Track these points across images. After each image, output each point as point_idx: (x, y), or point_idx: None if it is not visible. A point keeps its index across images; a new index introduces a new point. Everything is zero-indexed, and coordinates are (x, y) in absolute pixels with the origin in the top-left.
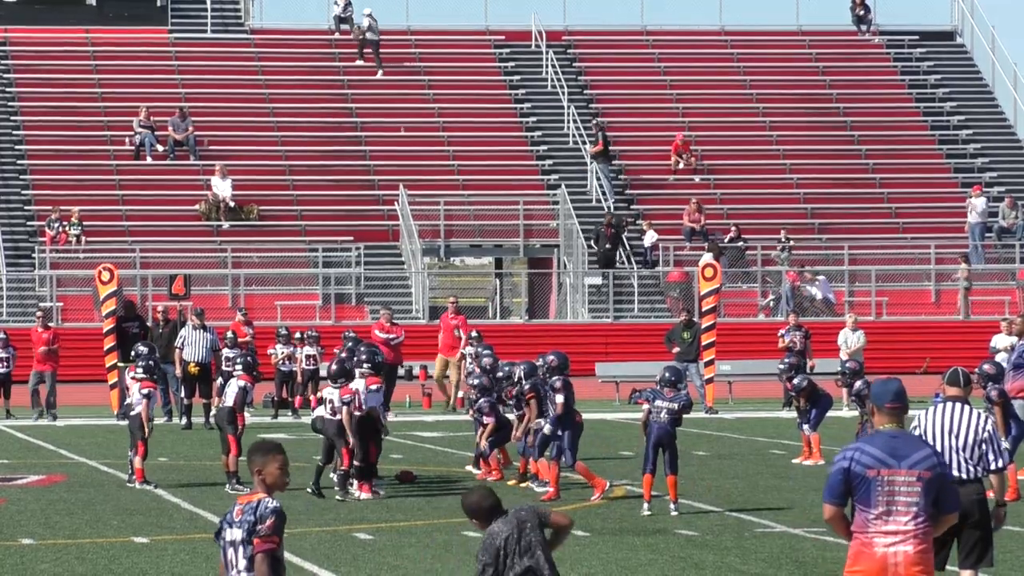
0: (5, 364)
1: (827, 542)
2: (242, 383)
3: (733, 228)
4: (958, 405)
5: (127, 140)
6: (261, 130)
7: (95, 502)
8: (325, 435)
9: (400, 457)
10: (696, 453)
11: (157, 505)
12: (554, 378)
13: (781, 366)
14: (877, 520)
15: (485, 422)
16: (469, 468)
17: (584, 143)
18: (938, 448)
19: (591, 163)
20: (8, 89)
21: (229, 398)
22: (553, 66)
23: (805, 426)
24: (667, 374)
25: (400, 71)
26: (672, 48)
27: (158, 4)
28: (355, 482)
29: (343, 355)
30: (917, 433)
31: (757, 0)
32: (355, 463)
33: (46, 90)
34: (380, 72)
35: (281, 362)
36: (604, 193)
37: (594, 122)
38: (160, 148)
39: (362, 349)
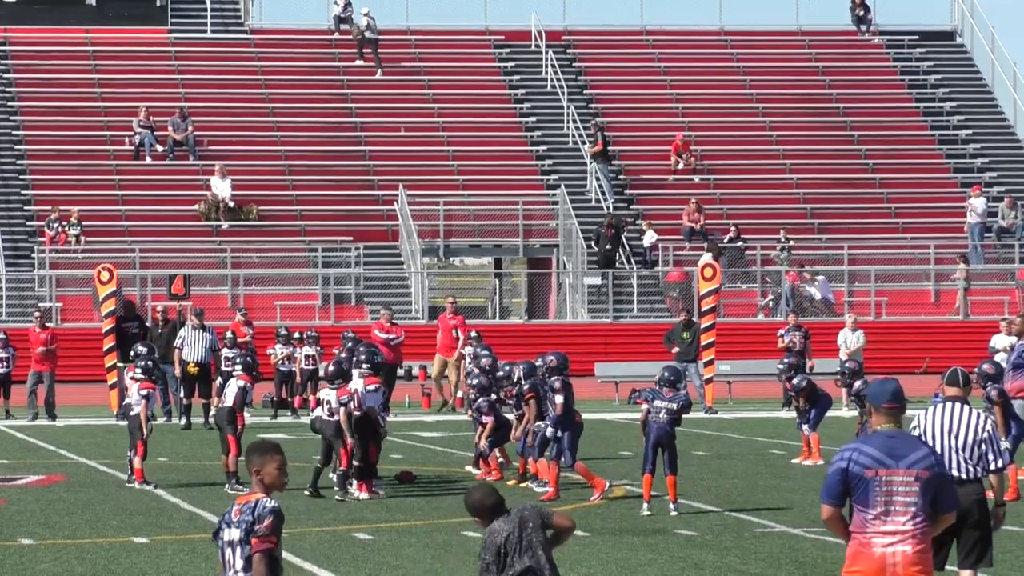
0: (5, 364)
1: (827, 542)
2: (242, 383)
3: (733, 228)
4: (958, 405)
5: (127, 140)
6: (261, 130)
7: (95, 502)
8: (323, 436)
9: (400, 457)
10: (696, 453)
11: (157, 505)
12: (553, 378)
13: (780, 366)
14: (875, 520)
15: (484, 421)
16: (469, 468)
17: (584, 143)
18: (938, 448)
19: (591, 163)
20: (8, 89)
21: (229, 398)
22: (553, 66)
23: (804, 426)
24: (666, 374)
25: (400, 71)
26: (672, 48)
27: (158, 4)
28: (355, 482)
29: (342, 355)
30: (917, 433)
31: (757, 0)
32: (355, 463)
33: (46, 90)
34: (379, 72)
35: (280, 362)
36: (604, 193)
37: (593, 122)
38: (160, 148)
39: (361, 349)
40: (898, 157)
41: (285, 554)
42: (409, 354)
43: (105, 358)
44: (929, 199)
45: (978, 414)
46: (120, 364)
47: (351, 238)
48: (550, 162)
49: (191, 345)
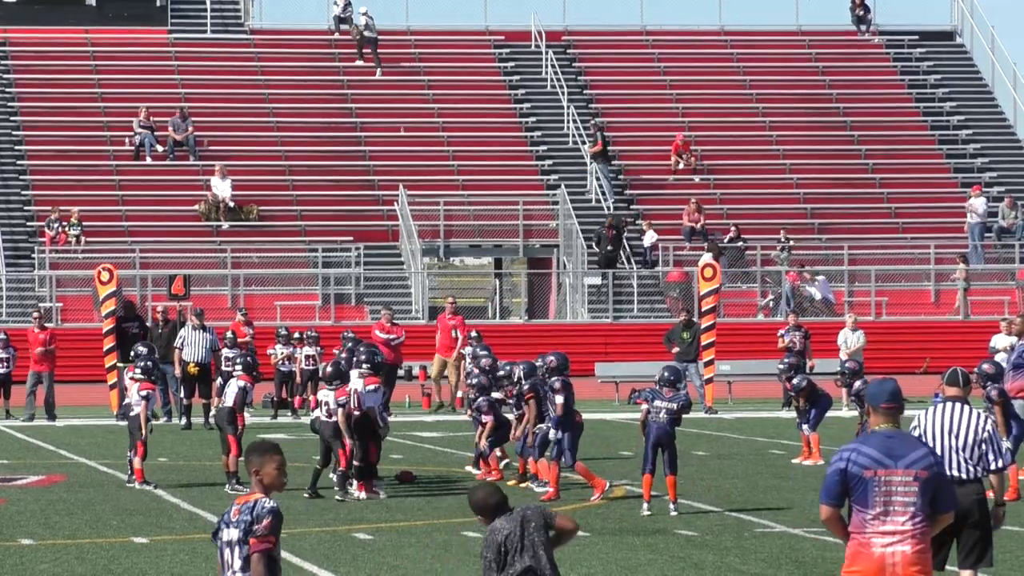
0: (5, 364)
1: (827, 542)
2: (242, 383)
3: (733, 228)
4: (958, 405)
5: (127, 140)
6: (261, 130)
7: (95, 502)
8: (321, 437)
9: (400, 457)
10: (696, 453)
11: (157, 505)
12: (553, 379)
13: (781, 366)
14: (874, 520)
15: (484, 421)
16: (469, 468)
17: (584, 143)
18: (938, 448)
19: (591, 163)
20: (8, 89)
21: (229, 398)
22: (553, 66)
23: (804, 426)
24: (666, 374)
25: (400, 71)
26: (672, 48)
27: (158, 4)
28: (355, 482)
29: (342, 356)
30: (917, 433)
31: (757, 0)
32: (355, 463)
33: (46, 90)
34: (379, 71)
35: (281, 362)
36: (604, 193)
37: (592, 122)
38: (160, 148)
39: (361, 349)
40: (898, 157)
41: (285, 554)
42: (409, 354)
43: (105, 358)
44: (929, 199)
45: (978, 414)
46: (120, 364)
47: (351, 238)
48: (550, 162)
49: (191, 345)
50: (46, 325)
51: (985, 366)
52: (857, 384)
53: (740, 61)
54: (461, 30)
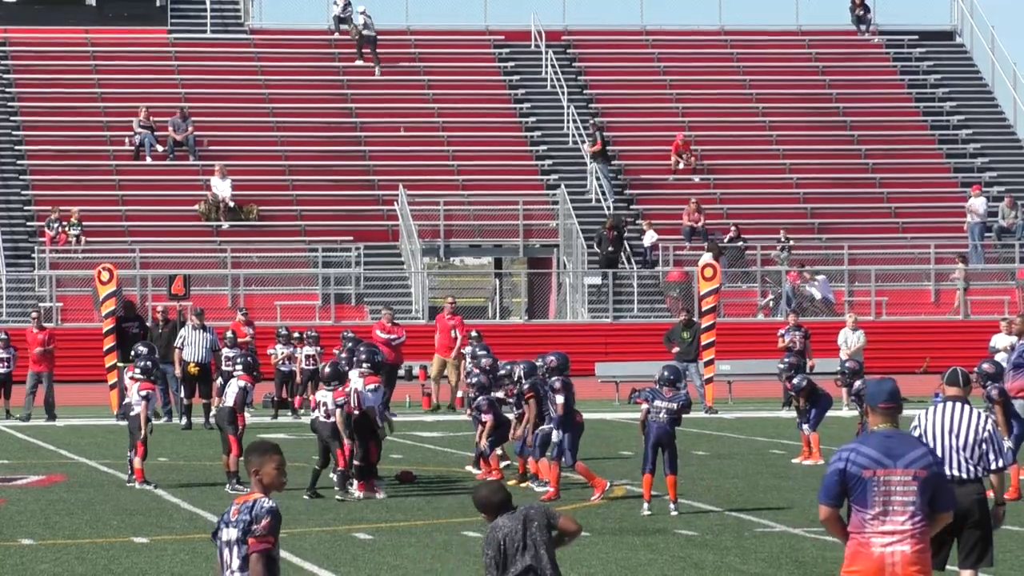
0: (6, 364)
1: (827, 542)
2: (242, 383)
3: (733, 228)
4: (958, 405)
5: (127, 140)
6: (261, 130)
7: (95, 502)
8: (319, 438)
9: (400, 457)
10: (696, 453)
11: (157, 505)
12: (553, 379)
13: (781, 366)
14: (874, 520)
15: (483, 420)
16: (469, 468)
17: (583, 143)
18: (939, 448)
19: (591, 163)
20: (8, 89)
21: (229, 398)
22: (553, 66)
23: (805, 426)
24: (666, 373)
25: (400, 71)
26: (672, 48)
27: (158, 4)
28: (355, 482)
29: (342, 356)
30: (917, 433)
31: (757, 0)
32: (355, 463)
33: (46, 90)
34: (377, 70)
35: (281, 362)
36: (603, 193)
37: (591, 122)
38: (160, 148)
39: (362, 349)
40: (898, 157)
41: (285, 554)
42: (409, 354)
43: (105, 358)
44: (929, 199)
45: (979, 414)
46: (120, 364)
47: (351, 238)
48: (550, 162)
49: (191, 345)
50: (44, 325)
51: (985, 366)
52: (857, 384)
53: (740, 61)
54: (461, 30)
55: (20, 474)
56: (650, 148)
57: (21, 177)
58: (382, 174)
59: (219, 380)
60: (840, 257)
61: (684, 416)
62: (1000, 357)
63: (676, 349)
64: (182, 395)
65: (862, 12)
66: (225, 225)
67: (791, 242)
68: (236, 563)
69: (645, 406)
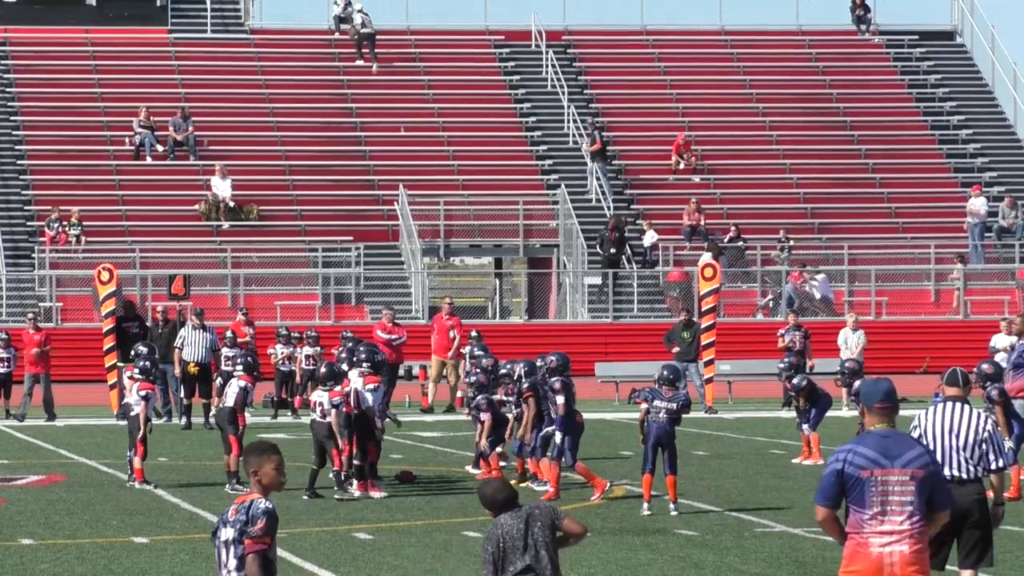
0: (6, 364)
1: (827, 542)
2: (243, 383)
3: (733, 228)
4: (958, 405)
5: (127, 140)
6: (261, 130)
7: (95, 502)
8: (315, 438)
9: (400, 457)
10: (696, 453)
11: (157, 505)
12: (553, 379)
13: (781, 366)
14: (872, 520)
15: (482, 419)
16: (469, 468)
17: (583, 142)
18: (939, 448)
19: (591, 163)
20: (8, 89)
21: (230, 398)
22: (553, 66)
23: (804, 426)
24: (665, 372)
25: (400, 71)
26: (672, 48)
27: (158, 4)
28: (355, 482)
29: (343, 355)
30: (917, 434)
31: (757, 0)
32: (355, 462)
33: (46, 90)
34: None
35: (281, 362)
36: (603, 192)
37: (589, 121)
38: (160, 148)
39: (362, 348)
40: (898, 157)
41: (285, 554)
42: (410, 354)
43: (105, 358)
44: (929, 199)
45: (979, 414)
46: (120, 364)
47: (351, 238)
48: (550, 162)
49: (191, 345)
50: (40, 326)
51: (984, 366)
52: (857, 384)
53: (740, 61)
54: (461, 30)
55: (20, 474)
56: (650, 148)
57: (21, 177)
58: (382, 174)
59: (219, 380)
60: (840, 257)
61: (684, 416)
62: (1000, 357)
63: (676, 349)
64: (182, 395)
65: (862, 12)
66: (225, 225)
67: (791, 242)
68: (233, 563)
69: (644, 406)
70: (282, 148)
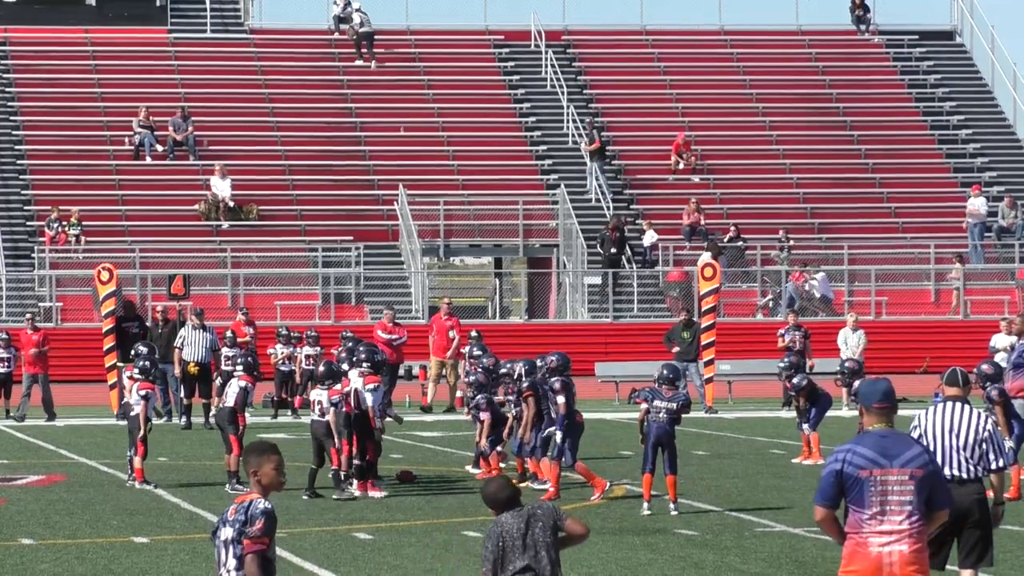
0: (6, 364)
1: (827, 542)
2: (243, 383)
3: (732, 228)
4: (958, 404)
5: (127, 140)
6: (261, 130)
7: (95, 502)
8: (314, 437)
9: (400, 457)
10: (696, 453)
11: (157, 505)
12: (553, 379)
13: (781, 365)
14: (871, 520)
15: (482, 419)
16: (469, 468)
17: (583, 142)
18: (939, 448)
19: (590, 162)
20: (8, 89)
21: (230, 398)
22: (552, 66)
23: (805, 425)
24: (665, 372)
25: (399, 71)
26: (672, 48)
27: (158, 4)
28: (355, 481)
29: (342, 355)
30: (917, 433)
31: (757, 0)
32: (355, 462)
33: (46, 90)
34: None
35: (281, 362)
36: (602, 191)
37: (588, 121)
38: (160, 148)
39: (361, 348)
40: (898, 157)
41: (286, 554)
42: (410, 354)
43: (105, 358)
44: (929, 199)
45: (979, 413)
46: (120, 364)
47: (351, 238)
48: (550, 162)
49: (191, 345)
50: (39, 326)
51: (984, 367)
52: (857, 384)
53: (740, 61)
54: (461, 30)
55: (20, 474)
56: (650, 148)
57: (21, 177)
58: (382, 174)
59: (218, 380)
60: (840, 257)
61: (684, 416)
62: (1000, 357)
63: (676, 349)
64: (182, 395)
65: (862, 12)
66: (225, 225)
67: (791, 242)
68: (232, 562)
69: (644, 406)
70: (282, 148)
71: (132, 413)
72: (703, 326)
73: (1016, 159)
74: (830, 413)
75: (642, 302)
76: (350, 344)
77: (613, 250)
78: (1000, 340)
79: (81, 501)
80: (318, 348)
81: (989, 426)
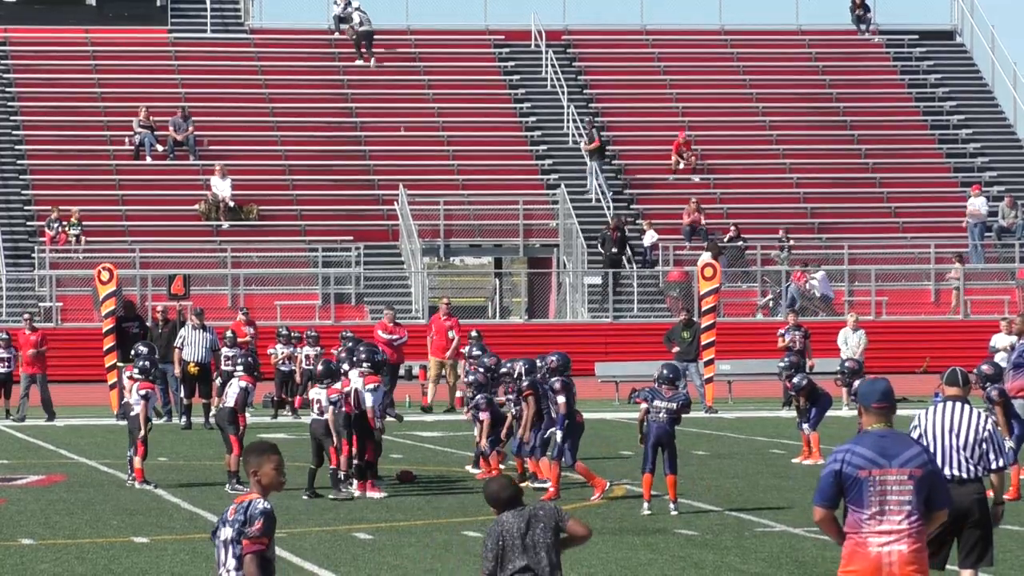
0: (6, 364)
1: (827, 542)
2: (243, 384)
3: (732, 227)
4: (958, 404)
5: (127, 140)
6: (261, 130)
7: (95, 502)
8: (313, 436)
9: (400, 457)
10: (696, 453)
11: (157, 505)
12: (554, 379)
13: (781, 365)
14: (871, 520)
15: (481, 418)
16: (468, 468)
17: (582, 141)
18: (939, 448)
19: (590, 161)
20: (8, 89)
21: (230, 399)
22: (553, 66)
23: (805, 425)
24: (665, 371)
25: (399, 71)
26: (672, 48)
27: (158, 4)
28: (355, 481)
29: (342, 355)
30: (917, 433)
31: (757, 0)
32: (355, 462)
33: (46, 90)
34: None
35: (281, 362)
36: (602, 191)
37: (588, 120)
38: (160, 148)
39: (361, 348)
40: (898, 157)
41: (285, 554)
42: (410, 354)
43: (105, 358)
44: (929, 199)
45: (979, 413)
46: (120, 364)
47: (351, 238)
48: (550, 162)
49: (191, 345)
50: (37, 326)
51: (984, 367)
52: (857, 383)
53: (740, 61)
54: (461, 29)
55: (20, 474)
56: (650, 148)
57: (21, 177)
58: (382, 174)
59: (218, 380)
60: (840, 257)
61: (684, 416)
62: (1000, 357)
63: (676, 349)
64: (182, 395)
65: (862, 12)
66: (225, 225)
67: (791, 242)
68: (232, 562)
69: (644, 406)
70: (282, 148)
71: (132, 413)
72: (703, 326)
73: (1016, 159)
74: (830, 413)
75: (642, 302)
76: (350, 344)
77: (613, 250)
78: (1000, 340)
79: (81, 501)
80: (318, 348)
81: (989, 426)
